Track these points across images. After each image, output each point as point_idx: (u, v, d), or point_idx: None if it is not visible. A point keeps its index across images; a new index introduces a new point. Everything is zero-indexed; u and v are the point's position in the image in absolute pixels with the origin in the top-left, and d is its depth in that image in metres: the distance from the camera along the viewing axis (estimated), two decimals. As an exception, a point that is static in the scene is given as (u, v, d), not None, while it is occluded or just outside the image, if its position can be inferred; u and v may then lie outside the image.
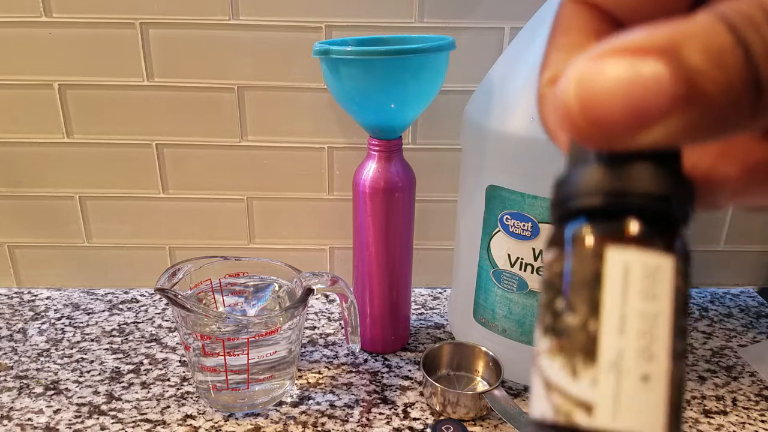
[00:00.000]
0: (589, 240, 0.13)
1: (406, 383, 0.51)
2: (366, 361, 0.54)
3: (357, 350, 0.55)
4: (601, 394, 0.12)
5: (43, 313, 0.61)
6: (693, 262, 0.13)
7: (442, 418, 0.47)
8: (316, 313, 0.62)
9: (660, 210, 0.13)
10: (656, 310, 0.12)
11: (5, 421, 0.46)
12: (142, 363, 0.53)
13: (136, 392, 0.49)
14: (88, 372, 0.52)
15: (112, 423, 0.46)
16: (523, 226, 0.44)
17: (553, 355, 0.13)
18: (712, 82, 0.11)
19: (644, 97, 0.11)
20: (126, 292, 0.65)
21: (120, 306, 0.63)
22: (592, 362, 0.12)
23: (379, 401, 0.49)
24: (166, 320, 0.60)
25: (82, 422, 0.46)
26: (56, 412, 0.47)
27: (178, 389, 0.50)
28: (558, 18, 0.15)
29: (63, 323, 0.59)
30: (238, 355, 0.44)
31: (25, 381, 0.50)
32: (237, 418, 0.46)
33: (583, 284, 0.13)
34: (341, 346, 0.56)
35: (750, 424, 0.47)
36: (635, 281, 0.13)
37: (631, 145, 0.12)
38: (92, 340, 0.56)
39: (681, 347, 0.13)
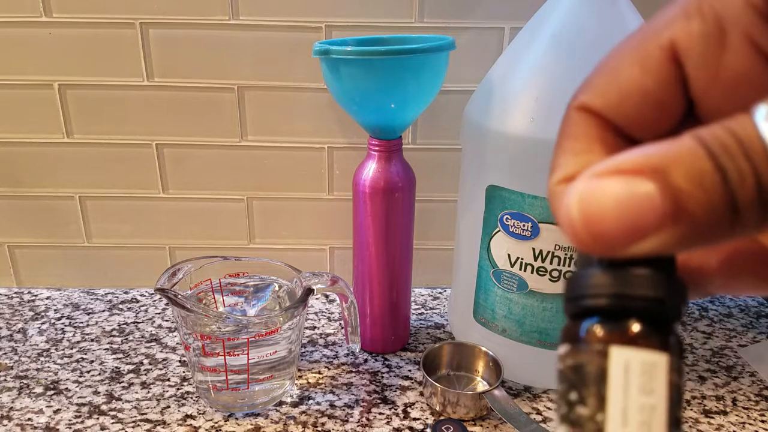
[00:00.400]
0: (596, 339, 0.15)
1: (406, 383, 0.51)
2: (366, 361, 0.54)
3: (357, 350, 0.55)
4: None
5: (43, 313, 0.61)
6: (685, 355, 0.15)
7: (442, 418, 0.47)
8: (316, 313, 0.62)
9: (656, 311, 0.15)
10: (653, 402, 0.14)
11: (5, 421, 0.46)
12: (142, 363, 0.53)
13: (136, 392, 0.49)
14: (88, 372, 0.52)
15: (112, 423, 0.46)
16: (523, 226, 0.44)
17: None
18: (695, 202, 0.13)
19: (638, 213, 0.13)
20: (126, 292, 0.65)
21: (120, 306, 0.63)
22: None
23: (379, 401, 0.49)
24: (166, 320, 0.60)
25: (82, 422, 0.46)
26: (56, 412, 0.47)
27: (178, 389, 0.50)
28: (564, 124, 0.17)
29: (63, 323, 0.59)
30: (238, 355, 0.44)
31: (25, 381, 0.50)
32: (237, 418, 0.46)
33: (592, 379, 0.15)
34: (341, 346, 0.56)
35: (750, 424, 0.47)
36: (635, 377, 0.14)
37: (628, 255, 0.14)
38: (92, 340, 0.56)
39: None
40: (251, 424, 0.46)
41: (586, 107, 0.16)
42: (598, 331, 0.15)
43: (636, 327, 0.15)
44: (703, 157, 0.13)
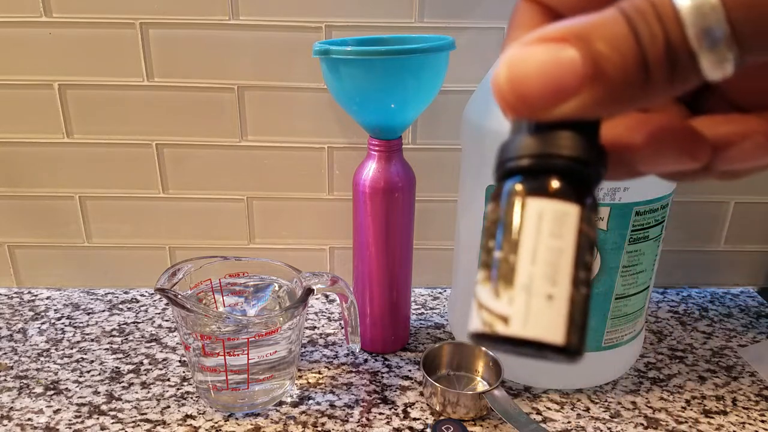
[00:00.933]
0: (516, 193, 0.16)
1: (406, 383, 0.51)
2: (366, 361, 0.54)
3: (357, 350, 0.55)
4: (515, 309, 0.16)
5: (43, 313, 0.61)
6: (598, 211, 0.16)
7: (442, 418, 0.47)
8: (316, 313, 0.62)
9: (574, 170, 0.16)
10: (561, 246, 0.16)
11: (5, 421, 0.46)
12: (142, 363, 0.53)
13: (136, 392, 0.49)
14: (88, 372, 0.52)
15: (112, 423, 0.46)
16: (523, 226, 0.44)
17: (484, 283, 0.16)
18: (612, 64, 0.14)
19: (560, 76, 0.14)
20: (126, 292, 0.65)
21: (120, 306, 0.63)
22: (510, 286, 0.16)
23: (379, 401, 0.49)
24: (166, 320, 0.60)
25: (82, 422, 0.46)
26: (56, 412, 0.47)
27: (178, 389, 0.50)
28: (513, 15, 0.18)
29: (63, 323, 0.59)
30: (238, 355, 0.44)
31: (25, 381, 0.50)
32: (237, 418, 0.46)
33: (509, 227, 0.16)
34: (341, 346, 0.56)
35: (750, 424, 0.47)
36: (546, 224, 0.16)
37: (550, 116, 0.15)
38: (92, 340, 0.56)
39: (583, 277, 0.16)
40: (251, 424, 0.46)
41: None
42: (519, 187, 0.16)
43: (554, 183, 0.16)
44: (621, 23, 0.14)
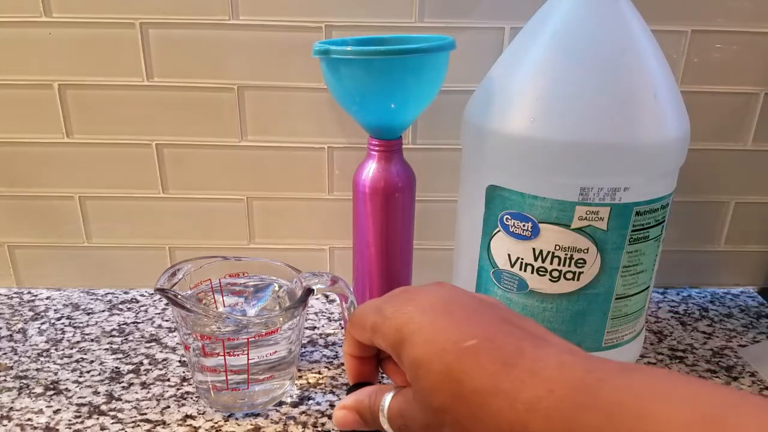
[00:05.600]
0: None
1: (406, 383, 0.51)
2: (366, 361, 0.54)
3: (357, 350, 0.55)
4: None
5: (42, 313, 0.61)
6: None
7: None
8: (316, 313, 0.62)
9: None
10: None
11: (5, 421, 0.46)
12: (142, 363, 0.53)
13: (136, 392, 0.49)
14: (88, 372, 0.52)
15: (112, 423, 0.46)
16: (524, 226, 0.44)
17: None
18: (362, 423, 0.32)
19: (354, 424, 0.32)
20: (126, 292, 0.65)
21: (120, 306, 0.63)
22: None
23: (379, 401, 0.49)
24: (166, 320, 0.60)
25: (82, 422, 0.46)
26: (56, 412, 0.47)
27: (178, 389, 0.50)
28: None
29: (63, 323, 0.59)
30: (238, 355, 0.44)
31: (24, 381, 0.50)
32: (237, 419, 0.46)
33: None
34: (341, 346, 0.56)
35: (750, 424, 0.47)
36: None
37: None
38: (92, 340, 0.56)
39: None
40: (251, 425, 0.46)
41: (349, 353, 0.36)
42: None
43: None
44: (366, 408, 0.32)
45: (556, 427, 0.20)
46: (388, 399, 0.29)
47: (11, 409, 0.47)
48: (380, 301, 0.29)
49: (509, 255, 0.45)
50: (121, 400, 0.48)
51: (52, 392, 0.49)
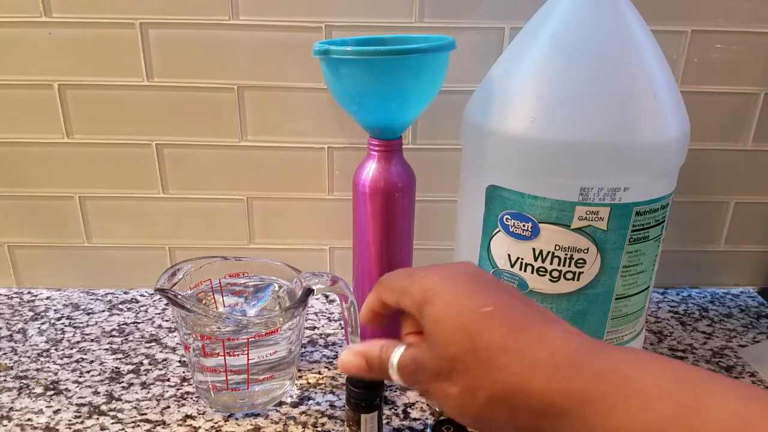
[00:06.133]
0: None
1: (406, 383, 0.51)
2: (366, 361, 0.54)
3: (357, 350, 0.55)
4: None
5: (43, 313, 0.61)
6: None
7: (442, 418, 0.47)
8: (316, 313, 0.62)
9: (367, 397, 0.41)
10: None
11: (5, 422, 0.46)
12: (142, 363, 0.53)
13: (136, 392, 0.49)
14: (88, 372, 0.52)
15: (112, 423, 0.46)
16: (523, 226, 0.44)
17: None
18: (370, 369, 0.32)
19: (356, 368, 0.32)
20: (126, 292, 0.65)
21: (120, 306, 0.63)
22: None
23: (379, 401, 0.49)
24: (166, 320, 0.60)
25: (82, 422, 0.46)
26: (56, 412, 0.47)
27: (178, 389, 0.50)
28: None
29: (63, 323, 0.59)
30: (238, 355, 0.44)
31: (25, 381, 0.50)
32: (237, 419, 0.46)
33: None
34: (341, 346, 0.56)
35: (750, 424, 0.47)
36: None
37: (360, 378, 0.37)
38: (92, 341, 0.56)
39: None
40: (251, 425, 0.46)
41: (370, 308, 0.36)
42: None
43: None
44: (375, 356, 0.31)
45: (554, 384, 0.25)
46: (400, 350, 0.31)
47: (11, 409, 0.47)
48: (411, 270, 0.33)
49: (509, 255, 0.45)
50: (121, 400, 0.48)
51: (52, 392, 0.49)
